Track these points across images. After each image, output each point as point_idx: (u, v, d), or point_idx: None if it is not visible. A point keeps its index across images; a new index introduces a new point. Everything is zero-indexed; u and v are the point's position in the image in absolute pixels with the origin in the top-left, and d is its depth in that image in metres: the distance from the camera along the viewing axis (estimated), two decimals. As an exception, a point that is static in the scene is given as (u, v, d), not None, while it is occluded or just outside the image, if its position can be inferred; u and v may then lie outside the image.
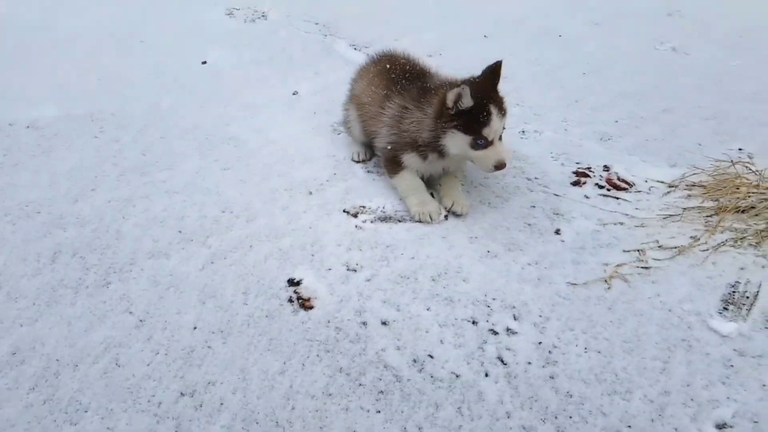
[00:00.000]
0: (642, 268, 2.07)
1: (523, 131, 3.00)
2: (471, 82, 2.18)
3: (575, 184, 2.56)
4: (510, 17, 4.55)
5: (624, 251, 2.15)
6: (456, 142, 2.20)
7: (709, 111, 3.07)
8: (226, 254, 2.15)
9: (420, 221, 2.31)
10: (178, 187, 2.53)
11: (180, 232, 2.27)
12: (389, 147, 2.42)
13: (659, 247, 2.16)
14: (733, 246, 2.14)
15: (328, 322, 1.84)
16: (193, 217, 2.34)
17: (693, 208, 2.34)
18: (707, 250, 2.12)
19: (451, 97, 2.12)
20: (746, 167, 2.44)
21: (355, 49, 4.03)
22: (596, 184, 2.56)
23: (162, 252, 2.17)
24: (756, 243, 2.14)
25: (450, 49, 4.02)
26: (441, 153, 2.29)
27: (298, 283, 2.00)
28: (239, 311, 1.89)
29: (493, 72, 2.21)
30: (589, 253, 2.16)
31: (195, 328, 1.84)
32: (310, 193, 2.49)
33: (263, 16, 4.63)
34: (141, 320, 1.88)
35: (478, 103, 2.11)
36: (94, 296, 1.98)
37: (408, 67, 2.53)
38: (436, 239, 2.23)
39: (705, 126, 2.94)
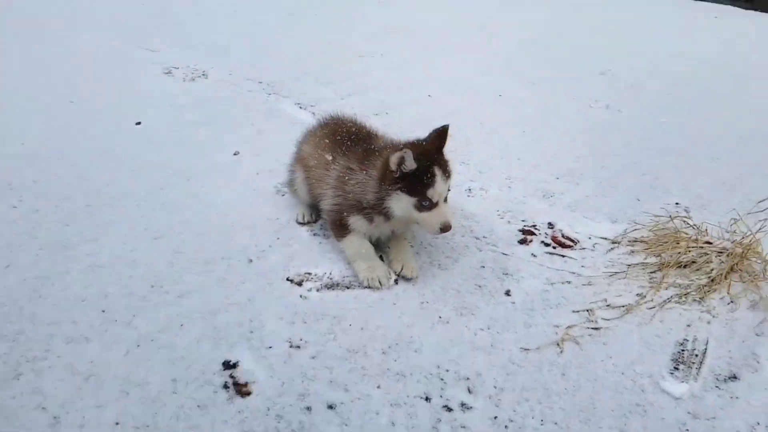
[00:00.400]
0: (592, 328, 2.07)
1: (470, 189, 3.04)
2: (414, 145, 2.20)
3: (522, 242, 2.58)
4: (451, 77, 4.72)
5: (573, 311, 2.15)
6: (400, 203, 2.19)
7: (643, 166, 3.23)
8: (154, 336, 1.99)
9: (369, 287, 2.24)
10: (103, 261, 2.36)
11: (103, 311, 2.09)
12: (335, 209, 2.38)
13: (607, 306, 2.18)
14: (679, 302, 2.18)
15: (268, 409, 1.71)
16: (118, 295, 2.18)
17: (637, 264, 2.40)
18: (654, 307, 2.15)
19: (393, 160, 2.12)
20: (684, 222, 2.54)
21: (300, 107, 4.03)
22: (542, 242, 2.59)
23: (82, 336, 1.99)
24: (700, 298, 2.19)
25: (396, 108, 4.09)
26: (386, 215, 2.27)
27: (234, 366, 1.86)
28: (168, 402, 1.72)
29: (440, 135, 2.24)
30: (540, 314, 2.15)
31: (117, 423, 1.66)
32: (250, 261, 2.39)
33: (204, 75, 4.59)
34: (55, 417, 1.68)
35: (422, 166, 2.12)
36: (2, 390, 1.77)
37: (354, 129, 2.53)
38: (387, 306, 2.16)
39: (641, 181, 3.07)
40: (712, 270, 2.30)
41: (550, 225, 2.70)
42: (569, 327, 2.07)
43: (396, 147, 2.22)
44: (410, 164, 2.10)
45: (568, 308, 2.17)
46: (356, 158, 2.34)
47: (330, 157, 2.42)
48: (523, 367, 1.91)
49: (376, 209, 2.26)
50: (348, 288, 2.26)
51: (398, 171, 2.14)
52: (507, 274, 2.37)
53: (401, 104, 4.17)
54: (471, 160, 3.32)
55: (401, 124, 3.79)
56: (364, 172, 2.28)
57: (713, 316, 2.11)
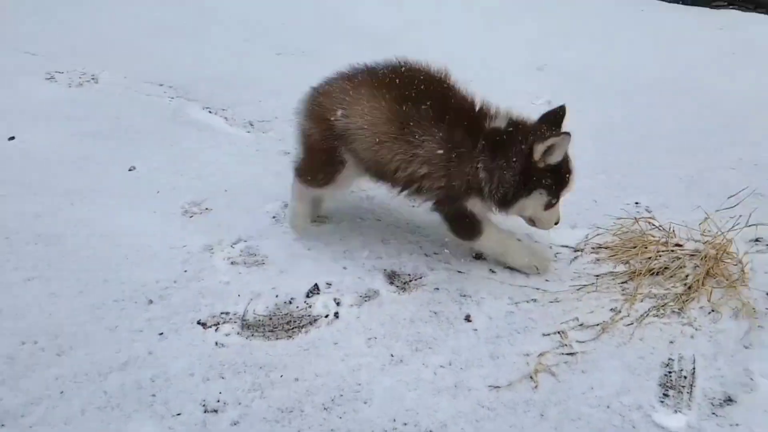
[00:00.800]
0: (567, 354, 1.87)
1: (413, 199, 2.80)
2: (567, 133, 1.92)
3: (478, 256, 2.36)
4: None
5: (543, 335, 1.95)
6: (537, 203, 2.03)
7: (597, 165, 3.11)
8: (25, 410, 1.60)
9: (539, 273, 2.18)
10: (-45, 315, 1.91)
11: (-47, 384, 1.66)
12: (444, 195, 2.05)
13: (580, 325, 1.99)
14: (657, 315, 2.03)
15: (176, 506, 1.37)
16: (-26, 359, 1.75)
17: (605, 274, 2.23)
18: (631, 324, 1.98)
19: (540, 149, 1.90)
20: (650, 223, 2.42)
21: (210, 112, 3.65)
22: (501, 254, 2.38)
23: None
24: (679, 309, 2.05)
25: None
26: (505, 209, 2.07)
27: (131, 445, 1.50)
28: None
29: (558, 118, 2.06)
30: (507, 341, 1.93)
31: None
32: (150, 302, 2.02)
33: (93, 79, 4.09)
34: None
35: (564, 159, 1.96)
36: None
37: (448, 89, 2.08)
38: (326, 348, 1.87)
39: (596, 181, 2.94)
40: (687, 276, 2.17)
41: (509, 234, 2.50)
42: (541, 355, 1.86)
43: (538, 132, 1.94)
44: (558, 157, 1.92)
45: (538, 332, 1.97)
46: (486, 141, 1.96)
47: (430, 123, 1.96)
48: (495, 410, 1.67)
49: (503, 203, 2.03)
50: (277, 328, 1.94)
51: (542, 163, 1.93)
52: (465, 295, 2.14)
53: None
54: (412, 166, 3.09)
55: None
56: (500, 161, 1.95)
57: (696, 329, 1.97)
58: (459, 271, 2.26)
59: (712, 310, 2.04)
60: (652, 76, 4.53)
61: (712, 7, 7.30)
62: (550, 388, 1.75)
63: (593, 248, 2.42)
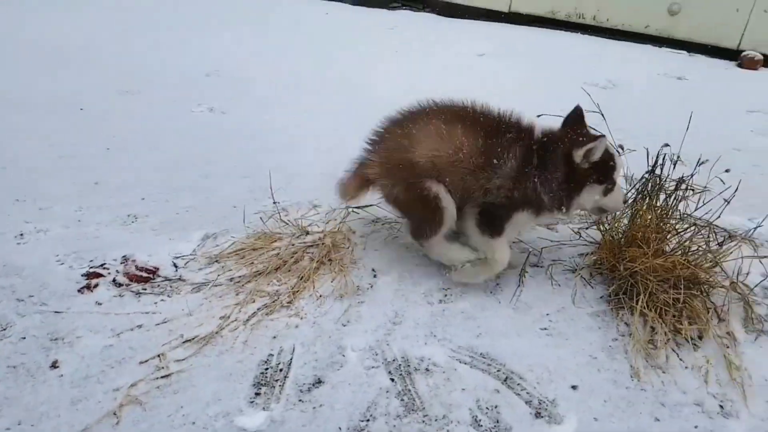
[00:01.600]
0: (161, 378, 1.83)
1: (22, 234, 2.50)
2: (602, 135, 2.12)
3: (84, 289, 2.19)
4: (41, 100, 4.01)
5: (140, 363, 1.88)
6: (592, 194, 2.21)
7: (244, 169, 3.19)
8: None
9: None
10: None
11: None
12: (504, 203, 2.22)
13: (184, 342, 1.97)
14: (267, 313, 2.11)
15: None
16: None
17: (224, 283, 2.26)
18: (237, 328, 2.03)
19: (580, 154, 2.11)
20: (282, 220, 2.53)
21: None
22: (113, 281, 2.25)
23: None
24: (288, 302, 2.17)
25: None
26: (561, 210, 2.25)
27: None
28: None
29: (580, 118, 2.23)
30: (96, 380, 1.81)
31: None
32: None
33: None
34: None
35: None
36: None
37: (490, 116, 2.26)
38: None
39: (239, 186, 3.00)
40: (306, 268, 2.32)
41: (125, 258, 2.37)
42: (133, 385, 1.79)
43: (574, 140, 2.15)
44: (598, 155, 2.12)
45: (135, 360, 1.89)
46: (521, 153, 2.19)
47: (498, 143, 2.18)
48: (59, 464, 1.54)
49: (561, 208, 2.22)
50: None
51: (585, 164, 2.14)
52: (56, 339, 1.95)
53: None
54: (29, 196, 2.78)
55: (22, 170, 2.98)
56: (541, 171, 2.17)
57: (302, 318, 2.10)
58: (56, 312, 2.07)
59: (320, 296, 2.21)
60: (333, 76, 4.90)
61: (389, 9, 8.27)
62: (134, 420, 1.68)
63: (225, 255, 2.44)
